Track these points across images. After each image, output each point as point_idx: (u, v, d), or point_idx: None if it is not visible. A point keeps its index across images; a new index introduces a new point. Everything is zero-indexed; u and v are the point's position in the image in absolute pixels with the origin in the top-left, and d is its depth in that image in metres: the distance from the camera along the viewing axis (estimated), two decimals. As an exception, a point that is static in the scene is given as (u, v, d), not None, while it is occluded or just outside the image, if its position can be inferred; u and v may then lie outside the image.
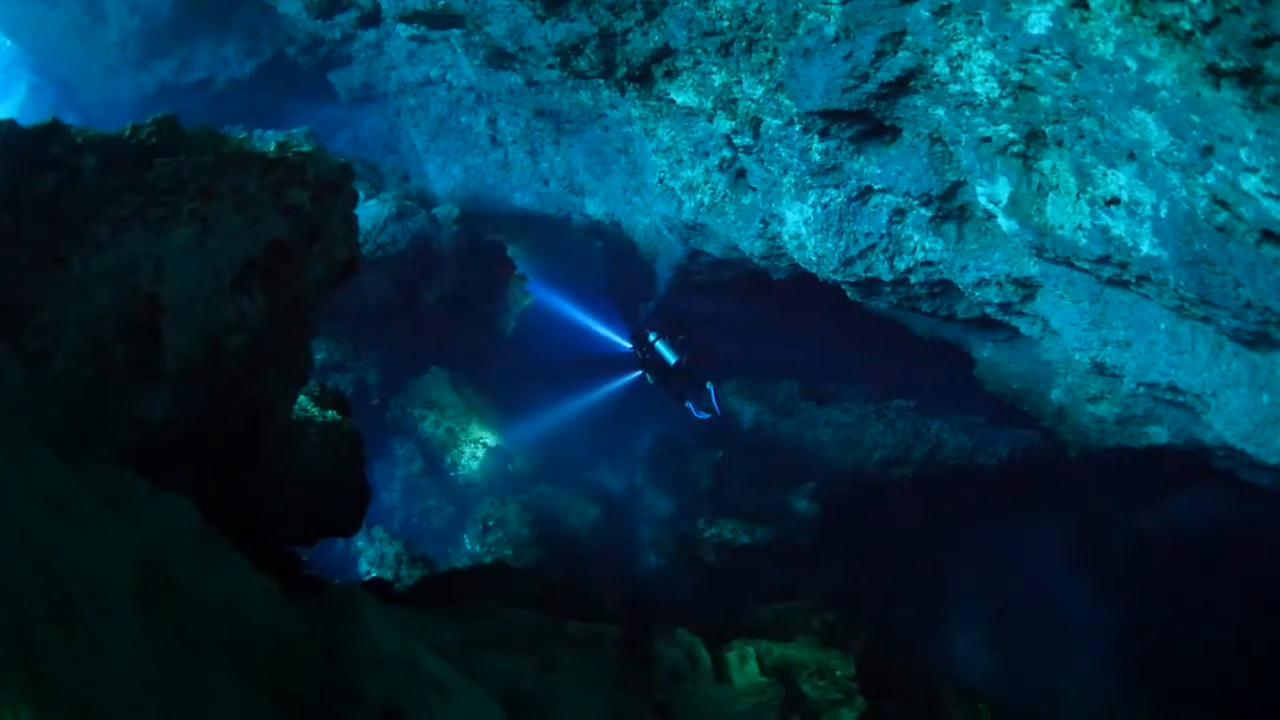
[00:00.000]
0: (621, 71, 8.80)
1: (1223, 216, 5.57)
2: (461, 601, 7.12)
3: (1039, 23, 5.84)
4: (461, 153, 12.50)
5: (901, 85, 7.05)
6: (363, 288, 10.75)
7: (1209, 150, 5.24)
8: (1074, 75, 5.87)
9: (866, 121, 7.61)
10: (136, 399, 5.13)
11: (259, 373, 6.27)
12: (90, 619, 3.18)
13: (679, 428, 12.17)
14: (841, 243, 8.43)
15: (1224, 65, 4.52)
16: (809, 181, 8.33)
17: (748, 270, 10.88)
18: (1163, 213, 6.03)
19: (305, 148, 6.42)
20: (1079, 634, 9.85)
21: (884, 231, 8.24)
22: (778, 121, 8.06)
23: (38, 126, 4.51)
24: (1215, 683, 9.02)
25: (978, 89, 6.62)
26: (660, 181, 10.17)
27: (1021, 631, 10.04)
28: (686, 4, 7.77)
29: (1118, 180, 6.23)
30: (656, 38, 8.31)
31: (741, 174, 9.39)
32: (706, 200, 9.73)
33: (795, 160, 8.20)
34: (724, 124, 8.45)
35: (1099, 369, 7.82)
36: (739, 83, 8.14)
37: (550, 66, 9.14)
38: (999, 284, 7.92)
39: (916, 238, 8.16)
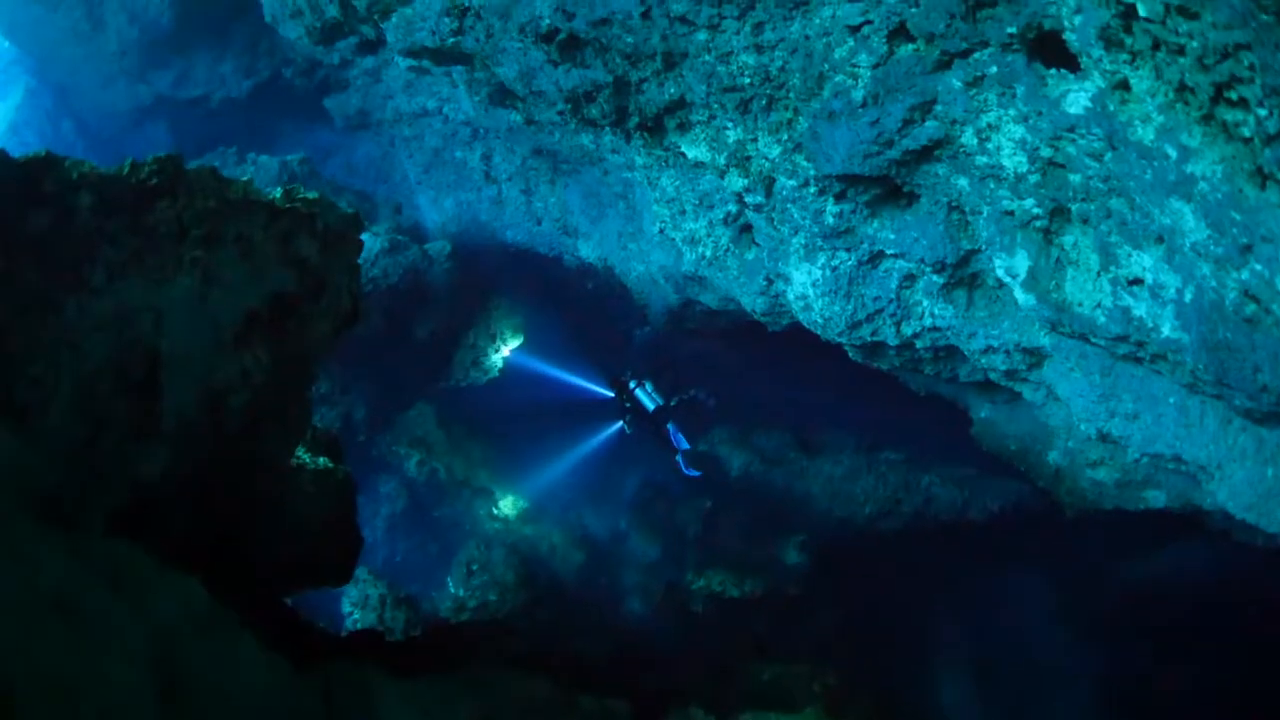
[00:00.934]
0: (634, 121, 8.72)
1: (1252, 309, 5.57)
2: (462, 664, 6.96)
3: (1077, 102, 5.82)
4: (455, 187, 12.34)
5: (926, 154, 7.03)
6: (352, 321, 10.53)
7: (1248, 249, 5.22)
8: (1108, 156, 5.86)
9: (884, 186, 7.59)
10: (133, 457, 4.83)
11: (259, 428, 6.06)
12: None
13: (664, 472, 12.08)
14: (849, 306, 8.38)
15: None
16: (820, 243, 8.28)
17: (742, 320, 10.83)
18: (1187, 298, 6.00)
19: (311, 194, 6.22)
20: (1067, 684, 9.89)
21: (893, 296, 8.20)
22: (792, 182, 8.01)
23: (31, 160, 4.23)
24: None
25: (1005, 162, 6.60)
26: (661, 231, 10.09)
27: (1010, 681, 10.05)
28: (708, 58, 7.70)
29: (1143, 262, 6.19)
30: (673, 90, 8.23)
31: (746, 229, 9.32)
32: (708, 253, 9.66)
33: (808, 222, 8.15)
34: (736, 181, 8.37)
35: (1104, 438, 7.84)
36: (755, 140, 8.08)
37: (560, 113, 9.04)
38: (1007, 352, 7.92)
39: (925, 303, 8.14)
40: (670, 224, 9.97)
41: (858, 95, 6.99)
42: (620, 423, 12.28)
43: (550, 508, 11.97)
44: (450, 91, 11.24)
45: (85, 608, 3.45)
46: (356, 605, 9.97)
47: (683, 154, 8.85)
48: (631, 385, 12.07)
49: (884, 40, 6.68)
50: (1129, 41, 5.16)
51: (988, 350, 8.00)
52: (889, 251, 7.97)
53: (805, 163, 7.78)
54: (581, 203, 11.51)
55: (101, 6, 12.87)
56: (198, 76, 13.16)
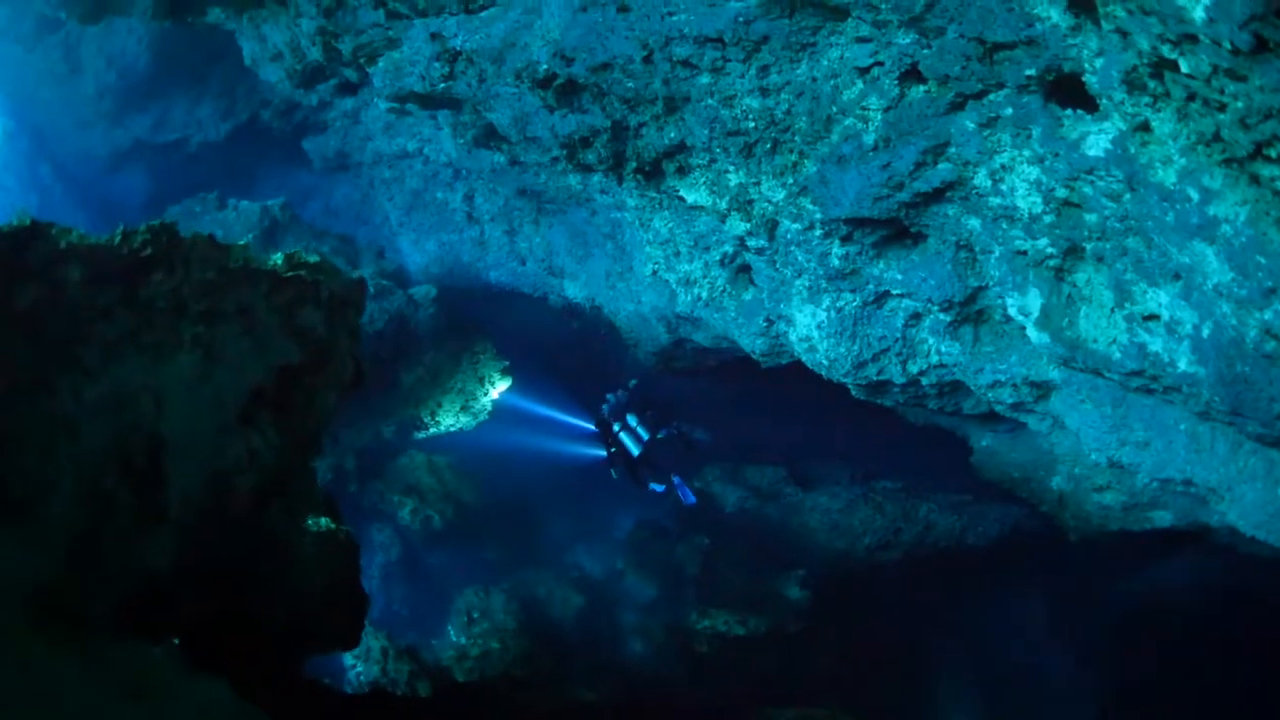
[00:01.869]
0: (631, 166, 8.65)
1: (1272, 345, 5.64)
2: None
3: (1097, 144, 5.86)
4: (436, 228, 12.19)
5: (937, 195, 7.06)
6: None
7: (1272, 291, 5.29)
8: (1127, 197, 5.92)
9: (892, 227, 7.62)
10: (140, 547, 4.59)
11: (267, 506, 5.85)
12: None
13: (658, 510, 12.00)
14: (855, 347, 8.38)
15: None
16: (824, 285, 8.27)
17: (732, 356, 10.81)
18: (1204, 333, 6.05)
19: (312, 258, 5.99)
20: (1069, 703, 9.95)
21: (899, 335, 8.22)
22: (797, 225, 8.00)
23: (15, 230, 3.99)
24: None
25: (1020, 203, 6.64)
26: (654, 273, 10.03)
27: (1015, 705, 10.10)
28: (711, 102, 7.67)
29: (1158, 299, 6.23)
30: (673, 134, 8.18)
31: (744, 270, 9.29)
32: (704, 295, 9.61)
33: (813, 264, 8.14)
34: (738, 225, 8.34)
35: (1114, 465, 7.91)
36: (758, 184, 8.06)
37: (554, 158, 8.95)
38: (1014, 386, 7.96)
39: (932, 341, 8.17)
40: (664, 265, 9.91)
41: (869, 139, 7.00)
42: (608, 461, 12.10)
43: (543, 549, 11.83)
44: (431, 133, 11.11)
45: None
46: (359, 658, 9.74)
47: (680, 197, 8.80)
48: (615, 428, 11.89)
49: (895, 82, 6.71)
50: (1153, 85, 5.22)
51: (995, 385, 8.05)
52: (895, 291, 7.98)
53: (811, 206, 7.78)
54: (567, 243, 11.42)
55: (79, 49, 12.75)
56: (175, 120, 13.03)
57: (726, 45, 7.14)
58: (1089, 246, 6.52)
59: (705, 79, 7.54)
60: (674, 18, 7.14)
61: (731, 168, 8.15)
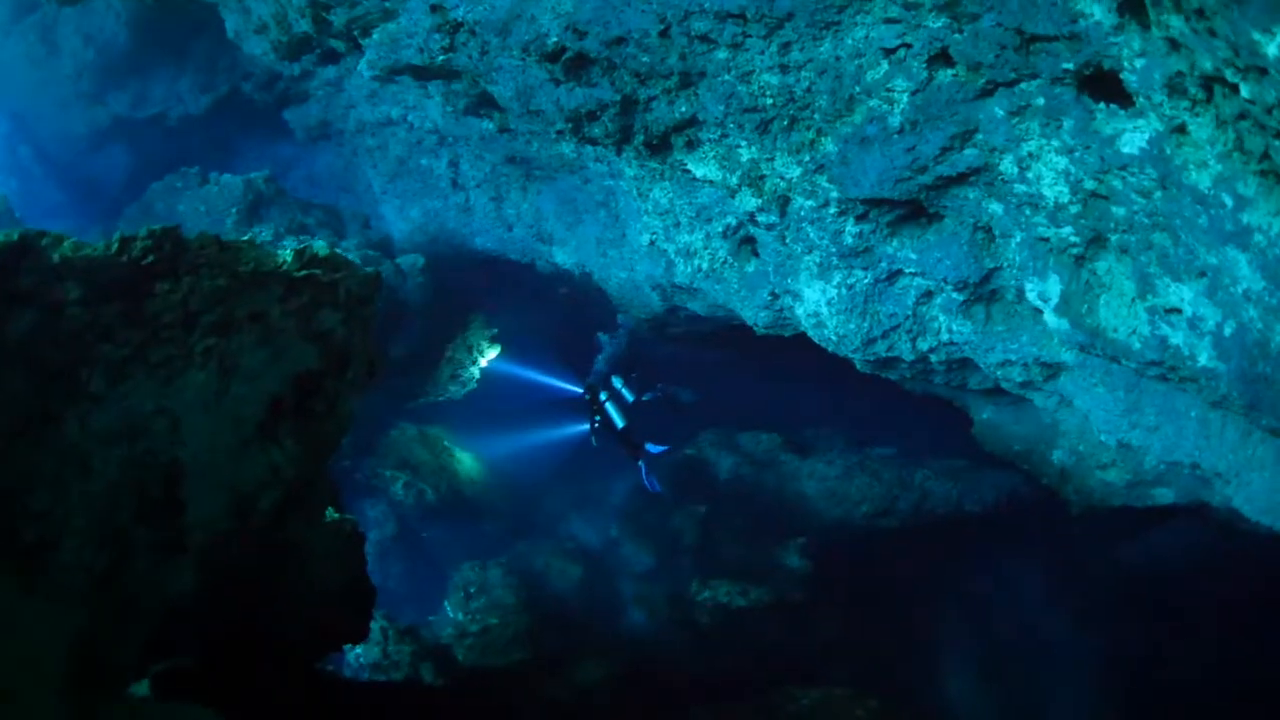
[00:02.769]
0: (639, 140, 8.44)
1: (1297, 350, 5.69)
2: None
3: (1133, 143, 5.80)
4: (420, 195, 11.87)
5: (961, 179, 6.98)
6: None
7: (1305, 303, 5.31)
8: (1158, 195, 5.89)
9: (909, 208, 7.54)
10: (160, 581, 4.40)
11: (287, 518, 5.68)
12: None
13: (651, 479, 11.96)
14: (865, 324, 8.34)
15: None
16: (835, 262, 8.19)
17: (727, 324, 10.72)
18: (1227, 331, 6.04)
19: (321, 248, 5.65)
20: (1071, 668, 10.18)
21: (909, 313, 8.19)
22: (811, 203, 7.89)
23: (2, 247, 3.70)
24: (1202, 712, 9.46)
25: (1046, 192, 6.59)
26: (652, 243, 9.87)
27: (1014, 670, 10.31)
28: (728, 77, 7.47)
29: (1181, 294, 6.22)
30: (684, 108, 7.98)
31: (746, 241, 9.18)
32: (705, 266, 9.49)
33: (825, 241, 8.05)
34: (749, 201, 8.20)
35: (1123, 447, 8.01)
36: (771, 160, 7.91)
37: (560, 132, 8.69)
38: (1024, 365, 7.99)
39: (943, 319, 8.15)
40: (662, 235, 9.76)
41: (894, 121, 6.87)
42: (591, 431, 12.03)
43: (539, 519, 11.78)
44: (416, 99, 10.75)
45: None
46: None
47: (688, 171, 8.62)
48: (602, 397, 11.82)
49: (924, 65, 6.55)
50: (1195, 93, 5.15)
51: (1005, 364, 8.07)
52: (908, 270, 7.93)
53: (827, 184, 7.66)
54: (557, 209, 11.19)
55: (56, 30, 12.42)
56: (155, 96, 12.65)
57: (748, 21, 6.91)
58: (1114, 238, 6.50)
59: (723, 54, 7.33)
60: (693, -10, 6.90)
61: (744, 143, 7.98)
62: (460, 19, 8.17)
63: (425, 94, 10.00)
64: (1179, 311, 6.28)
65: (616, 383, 12.37)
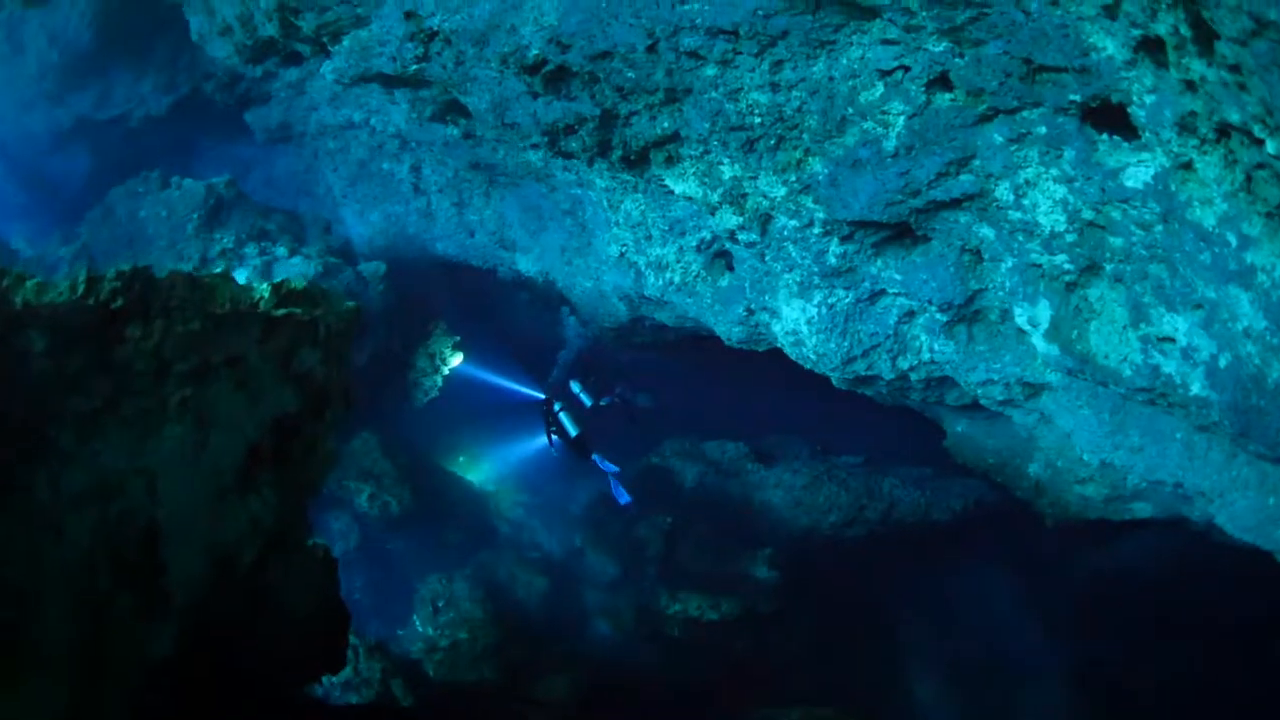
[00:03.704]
0: (616, 155, 8.25)
1: (1292, 386, 5.73)
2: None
3: (1137, 177, 5.79)
4: (381, 199, 11.55)
5: (953, 204, 6.93)
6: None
7: (1306, 345, 5.34)
8: (1159, 229, 5.89)
9: (896, 229, 7.48)
10: (143, 644, 4.20)
11: (268, 564, 5.43)
12: None
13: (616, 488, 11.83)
14: (845, 343, 8.27)
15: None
16: (817, 281, 8.10)
17: (692, 334, 10.60)
18: (1222, 363, 6.08)
19: (299, 283, 5.30)
20: (1037, 674, 10.31)
21: (890, 332, 8.14)
22: (794, 222, 7.79)
23: None
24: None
25: (1042, 220, 6.57)
26: (622, 255, 9.70)
27: (981, 675, 10.41)
28: (715, 94, 7.31)
29: (1175, 324, 6.24)
30: (666, 124, 7.81)
31: (720, 255, 9.06)
32: (677, 279, 9.35)
33: (808, 261, 7.96)
34: (729, 219, 8.07)
35: (1106, 466, 8.07)
36: (754, 179, 7.78)
37: (534, 146, 8.45)
38: (1006, 385, 7.98)
39: (925, 339, 8.12)
40: (633, 248, 9.59)
41: (889, 145, 6.78)
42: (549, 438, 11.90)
43: (502, 530, 11.58)
44: (379, 104, 10.41)
45: None
46: (325, 660, 9.41)
47: (665, 186, 8.45)
48: (556, 407, 11.69)
49: (922, 89, 6.48)
50: (1205, 132, 5.14)
51: (987, 383, 8.06)
52: (891, 290, 7.88)
53: (813, 205, 7.56)
54: (520, 216, 10.96)
55: (21, 29, 12.05)
56: (117, 96, 12.34)
57: (740, 38, 6.77)
58: (1109, 267, 6.50)
59: (711, 71, 7.18)
60: (685, 6, 6.72)
61: (727, 161, 7.83)
62: (435, 27, 7.88)
63: (390, 99, 9.67)
64: (1172, 341, 6.31)
65: (574, 387, 12.22)
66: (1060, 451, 8.74)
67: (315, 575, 6.39)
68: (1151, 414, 7.42)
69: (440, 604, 10.26)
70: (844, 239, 7.68)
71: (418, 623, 10.25)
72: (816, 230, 7.70)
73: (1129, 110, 5.52)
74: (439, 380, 11.33)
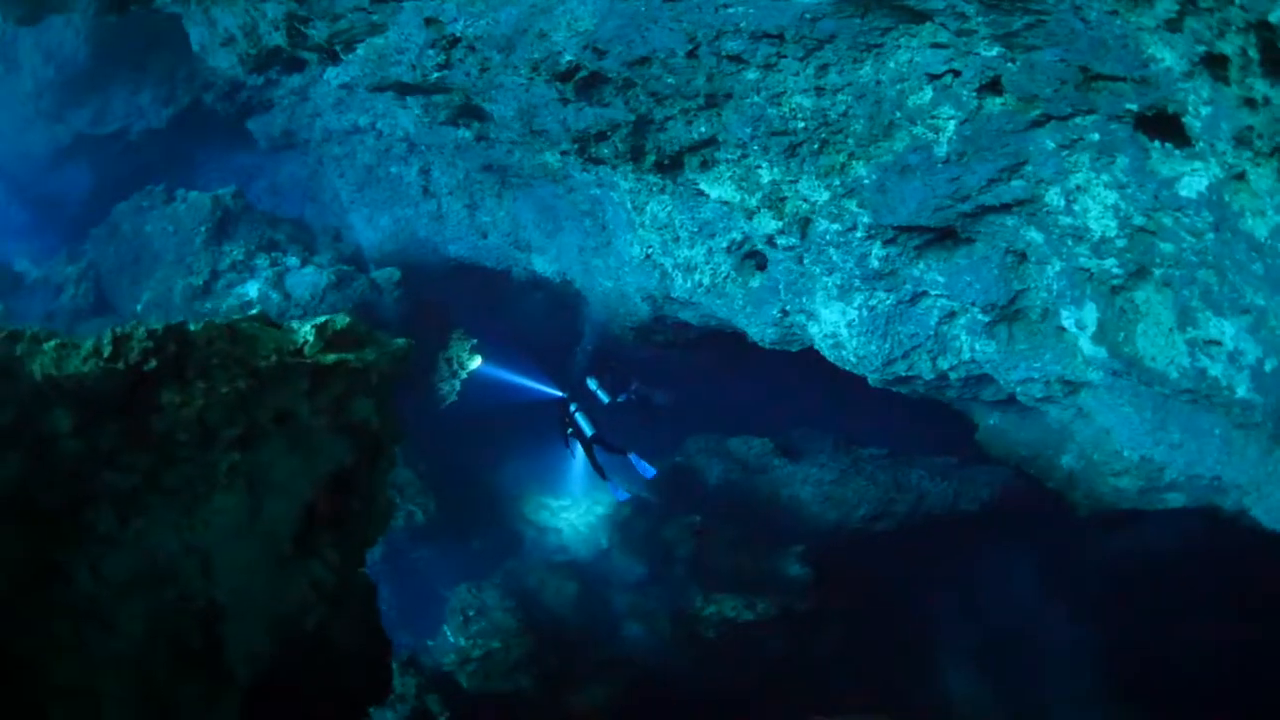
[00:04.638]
0: (649, 160, 8.10)
1: (1339, 390, 5.72)
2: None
3: (1191, 186, 5.75)
4: (390, 203, 11.33)
5: (1003, 209, 6.84)
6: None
7: (1358, 352, 5.32)
8: (1210, 236, 5.85)
9: (940, 232, 7.39)
10: None
11: (329, 627, 5.23)
12: None
13: (637, 482, 11.76)
14: (886, 345, 8.20)
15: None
16: (858, 284, 8.00)
17: (716, 332, 10.49)
18: (1268, 368, 6.06)
19: (342, 320, 4.87)
20: (1067, 657, 10.35)
21: (931, 333, 8.07)
22: (836, 226, 7.67)
23: None
24: (1201, 696, 9.70)
25: (1092, 224, 6.50)
26: (647, 256, 9.54)
27: (1012, 660, 10.44)
28: (757, 99, 7.17)
29: (1223, 328, 6.21)
30: (703, 129, 7.66)
31: (751, 256, 8.93)
32: (706, 281, 9.22)
33: (850, 264, 7.85)
34: (769, 223, 7.94)
35: (1145, 462, 8.06)
36: (794, 182, 7.66)
37: (564, 152, 8.26)
38: (1046, 382, 7.94)
39: (965, 339, 8.05)
40: (659, 249, 9.44)
41: (940, 151, 6.68)
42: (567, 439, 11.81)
43: (527, 534, 11.49)
44: (386, 107, 10.16)
45: None
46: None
47: (699, 190, 8.30)
48: (572, 408, 11.60)
49: (974, 94, 6.37)
50: (1261, 145, 5.08)
51: (1026, 381, 8.01)
52: (934, 292, 7.80)
53: (857, 209, 7.45)
54: (535, 216, 10.77)
55: (15, 47, 11.87)
56: (115, 111, 12.05)
57: (785, 42, 6.62)
58: (1157, 272, 6.46)
59: (753, 75, 7.03)
60: (729, 10, 6.53)
61: (766, 164, 7.71)
62: (458, 34, 7.64)
63: (400, 103, 9.40)
64: (1219, 344, 6.28)
65: (591, 384, 12.14)
66: (1096, 445, 8.71)
67: (361, 610, 6.24)
68: (1192, 411, 7.40)
69: (471, 613, 10.15)
70: (887, 242, 7.58)
71: (448, 633, 10.15)
72: (859, 234, 7.59)
73: (1183, 120, 5.46)
74: (457, 385, 11.16)
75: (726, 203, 8.15)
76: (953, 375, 8.33)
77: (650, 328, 10.89)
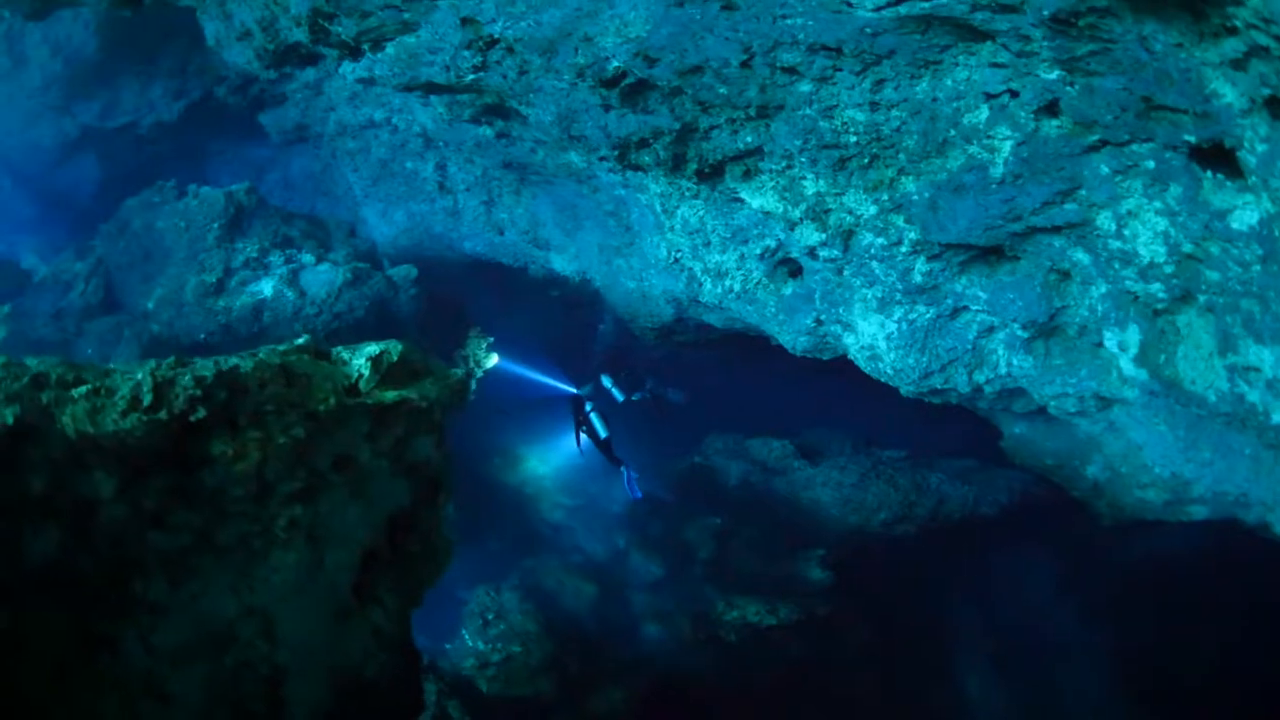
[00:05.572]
0: (691, 168, 7.99)
1: (1376, 423, 5.77)
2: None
3: (1242, 219, 5.77)
4: (405, 199, 11.13)
5: (1054, 230, 6.82)
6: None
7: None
8: (1257, 268, 5.87)
9: (984, 250, 7.35)
10: None
11: (388, 673, 5.08)
12: None
13: (652, 484, 11.72)
14: (924, 358, 8.18)
15: None
16: (899, 298, 7.97)
17: (739, 334, 10.43)
18: None
19: (399, 348, 4.53)
20: (1086, 662, 10.42)
21: (969, 346, 8.07)
22: (882, 240, 7.62)
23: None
24: (1216, 703, 9.83)
25: (1141, 250, 6.50)
26: (676, 260, 9.43)
27: (1030, 664, 10.49)
28: (809, 111, 7.07)
29: (1262, 356, 6.25)
30: (749, 139, 7.55)
31: (783, 264, 8.86)
32: (737, 287, 9.15)
33: (892, 278, 7.81)
34: (811, 235, 7.87)
35: (1175, 478, 8.12)
36: (840, 195, 7.60)
37: (602, 159, 8.11)
38: (1081, 398, 7.96)
39: (1002, 353, 8.05)
40: (689, 253, 9.34)
41: (996, 171, 6.64)
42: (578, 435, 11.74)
43: (542, 532, 11.40)
44: (401, 102, 9.93)
45: None
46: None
47: (736, 197, 8.21)
48: (587, 408, 11.54)
49: (1031, 115, 6.32)
50: None
51: (1061, 396, 8.03)
52: (974, 308, 7.78)
53: (904, 224, 7.41)
54: (555, 215, 10.63)
55: (23, 41, 11.63)
56: (125, 104, 11.87)
57: (843, 55, 6.52)
58: (1202, 298, 6.48)
59: (806, 87, 6.93)
60: (787, 21, 6.41)
61: (811, 176, 7.63)
62: (496, 35, 7.44)
63: (422, 101, 9.20)
64: (1258, 370, 6.32)
65: (606, 382, 12.08)
66: (1125, 458, 8.76)
67: (395, 628, 6.12)
68: (1223, 430, 7.46)
69: (490, 616, 10.09)
70: (932, 258, 7.55)
71: (467, 637, 10.07)
72: (904, 249, 7.55)
73: (1238, 155, 5.45)
74: (473, 384, 11.02)
75: (767, 212, 8.06)
76: (987, 389, 8.34)
77: (671, 329, 10.81)
